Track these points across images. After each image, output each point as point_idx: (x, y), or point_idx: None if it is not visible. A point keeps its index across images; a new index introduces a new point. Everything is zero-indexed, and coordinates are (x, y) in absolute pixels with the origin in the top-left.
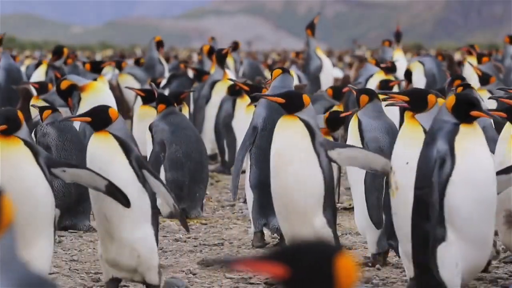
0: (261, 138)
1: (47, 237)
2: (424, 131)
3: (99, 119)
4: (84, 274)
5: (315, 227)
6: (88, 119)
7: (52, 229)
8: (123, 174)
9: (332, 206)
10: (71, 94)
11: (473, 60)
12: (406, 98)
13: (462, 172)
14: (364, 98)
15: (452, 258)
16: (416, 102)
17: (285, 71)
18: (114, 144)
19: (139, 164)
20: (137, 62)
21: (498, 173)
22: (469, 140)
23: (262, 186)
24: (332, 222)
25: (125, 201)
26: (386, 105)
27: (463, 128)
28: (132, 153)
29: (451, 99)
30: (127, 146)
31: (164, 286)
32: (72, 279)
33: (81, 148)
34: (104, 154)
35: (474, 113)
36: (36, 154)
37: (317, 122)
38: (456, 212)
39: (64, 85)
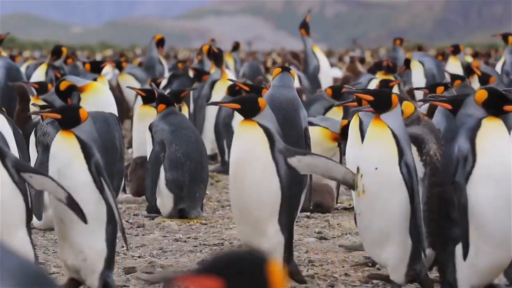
0: None
1: (18, 239)
2: (392, 131)
3: (68, 117)
4: None
5: (267, 234)
6: (58, 116)
7: (25, 231)
8: (80, 178)
9: (289, 212)
10: (70, 94)
11: (456, 61)
12: (371, 98)
13: (483, 169)
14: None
15: (470, 258)
16: (380, 102)
17: (285, 69)
18: (75, 147)
19: (98, 170)
20: (139, 65)
21: None
22: (492, 136)
23: None
24: (286, 228)
25: (82, 217)
26: (352, 110)
27: (487, 122)
28: (92, 158)
29: (481, 93)
30: (88, 150)
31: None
32: None
33: None
34: (64, 156)
35: (507, 107)
36: (3, 157)
37: (276, 125)
38: (476, 209)
39: (63, 85)
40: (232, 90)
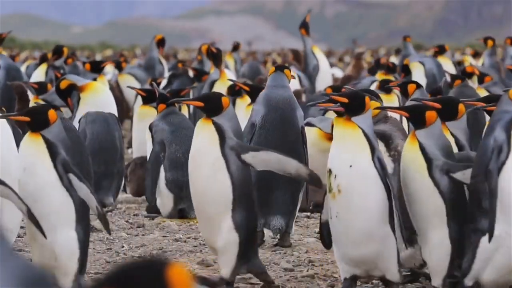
0: (259, 135)
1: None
2: (362, 130)
3: (37, 120)
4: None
5: (221, 231)
6: (27, 119)
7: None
8: (45, 177)
9: (245, 210)
10: (70, 93)
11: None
12: (345, 100)
13: None
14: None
15: (490, 251)
16: (354, 105)
17: (279, 69)
18: (41, 147)
19: (65, 168)
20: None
21: None
22: None
23: (260, 185)
24: (242, 226)
25: (41, 232)
26: (321, 109)
27: None
28: (58, 156)
29: None
30: (54, 149)
31: None
32: None
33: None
34: (29, 156)
35: None
36: None
37: (236, 124)
38: (506, 200)
39: (63, 84)
40: (232, 90)
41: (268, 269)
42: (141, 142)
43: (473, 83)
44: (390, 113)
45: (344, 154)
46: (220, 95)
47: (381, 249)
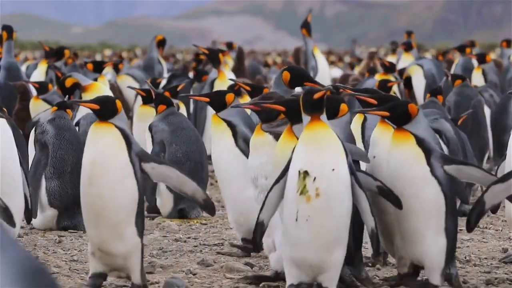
0: None
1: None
2: (335, 133)
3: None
4: (84, 274)
5: (124, 237)
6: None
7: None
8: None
9: (143, 215)
10: (73, 91)
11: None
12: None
13: None
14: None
15: None
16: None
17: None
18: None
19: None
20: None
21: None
22: None
23: None
24: (141, 232)
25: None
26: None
27: None
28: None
29: None
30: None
31: (164, 286)
32: (72, 279)
33: (78, 149)
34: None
35: None
36: None
37: (129, 129)
38: None
39: (68, 82)
40: (232, 90)
41: (268, 269)
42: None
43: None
44: None
45: (326, 157)
46: (114, 98)
47: (342, 255)
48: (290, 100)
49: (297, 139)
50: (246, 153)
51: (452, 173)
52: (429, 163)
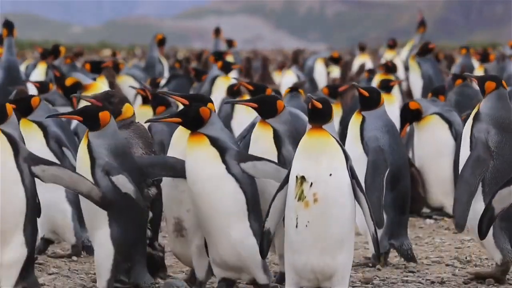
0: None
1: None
2: (336, 140)
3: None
4: (83, 274)
5: (11, 246)
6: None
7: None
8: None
9: (34, 225)
10: (75, 92)
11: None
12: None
13: None
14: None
15: None
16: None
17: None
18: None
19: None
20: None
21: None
22: None
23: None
24: (30, 242)
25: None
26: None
27: None
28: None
29: None
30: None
31: (164, 286)
32: (71, 279)
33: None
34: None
35: None
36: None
37: (20, 133)
38: None
39: (69, 81)
40: (231, 91)
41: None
42: None
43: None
44: (137, 120)
45: (323, 163)
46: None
47: (347, 258)
48: (262, 97)
49: (273, 129)
50: (57, 154)
51: (248, 171)
52: (225, 161)
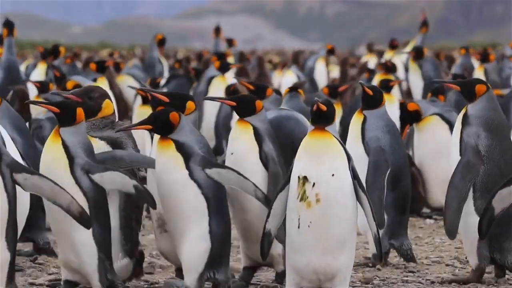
0: None
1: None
2: (338, 141)
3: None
4: None
5: None
6: (233, 103)
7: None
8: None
9: (14, 228)
10: None
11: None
12: (233, 103)
13: None
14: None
15: None
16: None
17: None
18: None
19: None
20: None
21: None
22: None
23: None
24: (11, 247)
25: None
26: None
27: None
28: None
29: None
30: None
31: (164, 286)
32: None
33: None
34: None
35: None
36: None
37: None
38: None
39: (70, 85)
40: (229, 90)
41: (268, 269)
42: (140, 142)
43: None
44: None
45: (325, 163)
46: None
47: (349, 258)
48: (241, 96)
49: (253, 126)
50: None
51: (213, 176)
52: (188, 167)
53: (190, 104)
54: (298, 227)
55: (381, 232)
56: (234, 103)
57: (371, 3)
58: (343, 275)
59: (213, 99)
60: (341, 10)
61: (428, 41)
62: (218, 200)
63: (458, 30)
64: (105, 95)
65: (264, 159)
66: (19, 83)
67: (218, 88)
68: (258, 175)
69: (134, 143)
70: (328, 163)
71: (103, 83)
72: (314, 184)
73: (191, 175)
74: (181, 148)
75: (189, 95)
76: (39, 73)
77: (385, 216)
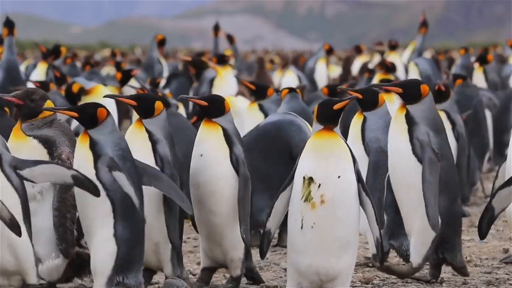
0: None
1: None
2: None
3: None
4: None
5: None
6: (204, 103)
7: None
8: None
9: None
10: (80, 97)
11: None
12: (205, 103)
13: None
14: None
15: None
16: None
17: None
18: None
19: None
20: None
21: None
22: None
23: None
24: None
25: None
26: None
27: None
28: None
29: None
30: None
31: (164, 286)
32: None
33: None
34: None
35: None
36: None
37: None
38: None
39: (75, 88)
40: None
41: (268, 269)
42: None
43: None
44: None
45: (332, 164)
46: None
47: (351, 259)
48: (212, 96)
49: (222, 128)
50: None
51: (117, 178)
52: (95, 167)
53: (158, 105)
54: (301, 227)
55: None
56: (206, 103)
57: (371, 3)
58: (345, 277)
59: (188, 98)
60: (341, 10)
61: (428, 41)
62: (125, 203)
63: (458, 30)
64: (46, 97)
65: (234, 161)
66: (19, 83)
67: (220, 89)
68: (228, 177)
69: (71, 142)
70: (335, 164)
71: (104, 87)
72: (319, 185)
73: (98, 175)
74: (93, 146)
75: (157, 96)
76: (40, 73)
77: (385, 217)
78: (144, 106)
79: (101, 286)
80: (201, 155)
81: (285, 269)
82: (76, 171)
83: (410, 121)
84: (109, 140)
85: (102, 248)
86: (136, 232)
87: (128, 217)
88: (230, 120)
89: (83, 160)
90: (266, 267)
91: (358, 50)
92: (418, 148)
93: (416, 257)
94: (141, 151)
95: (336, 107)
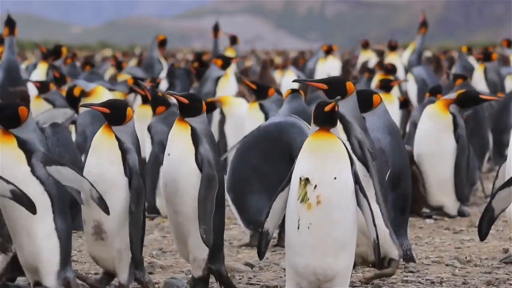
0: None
1: None
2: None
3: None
4: (83, 274)
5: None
6: (185, 100)
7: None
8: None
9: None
10: (80, 99)
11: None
12: (185, 101)
13: None
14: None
15: None
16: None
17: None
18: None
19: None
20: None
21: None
22: None
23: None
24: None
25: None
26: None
27: None
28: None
29: None
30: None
31: (164, 286)
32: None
33: (73, 149)
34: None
35: None
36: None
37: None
38: None
39: (77, 91)
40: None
41: (268, 269)
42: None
43: None
44: None
45: (329, 165)
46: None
47: (349, 259)
48: (191, 95)
49: (191, 127)
50: None
51: (53, 174)
52: (30, 164)
53: (129, 112)
54: (298, 228)
55: None
56: (186, 101)
57: (371, 3)
58: (343, 277)
59: (172, 94)
60: (341, 10)
61: (428, 41)
62: (60, 197)
63: (458, 30)
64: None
65: (199, 161)
66: (19, 83)
67: (224, 88)
68: (193, 177)
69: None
70: (332, 165)
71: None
72: (315, 186)
73: (33, 171)
74: (23, 144)
75: (127, 103)
76: (40, 73)
77: None
78: (117, 113)
79: (52, 282)
80: (169, 155)
81: (284, 269)
82: (16, 186)
83: (341, 120)
84: (36, 137)
85: (45, 244)
86: (70, 225)
87: (64, 210)
88: (203, 121)
89: (12, 159)
90: (266, 267)
91: (365, 45)
92: (356, 148)
93: (393, 248)
94: (109, 158)
95: (326, 109)
